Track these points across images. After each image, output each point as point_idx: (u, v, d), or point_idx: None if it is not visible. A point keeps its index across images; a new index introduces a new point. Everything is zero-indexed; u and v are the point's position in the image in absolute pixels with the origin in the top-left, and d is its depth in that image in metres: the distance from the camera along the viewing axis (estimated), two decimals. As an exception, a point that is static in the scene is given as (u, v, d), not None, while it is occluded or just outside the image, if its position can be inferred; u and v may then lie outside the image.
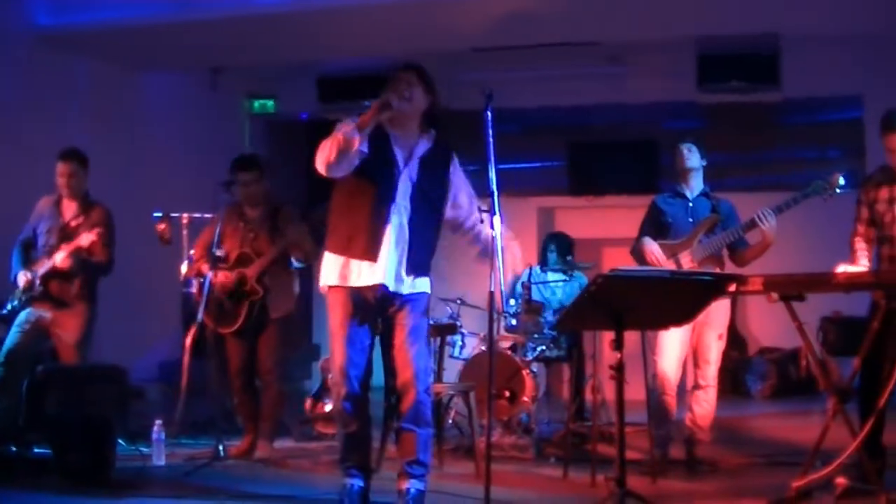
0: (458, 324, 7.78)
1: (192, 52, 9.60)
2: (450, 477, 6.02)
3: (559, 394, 9.89)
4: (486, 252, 4.77)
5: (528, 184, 11.76)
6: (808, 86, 10.44)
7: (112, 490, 5.58)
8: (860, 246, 5.54)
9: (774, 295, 4.99)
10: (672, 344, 6.10)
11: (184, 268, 6.94)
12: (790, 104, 10.94)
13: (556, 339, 7.71)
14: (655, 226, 6.34)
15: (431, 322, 5.39)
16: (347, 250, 4.89)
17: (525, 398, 7.36)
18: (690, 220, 6.27)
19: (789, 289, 4.96)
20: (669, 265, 6.10)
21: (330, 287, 4.97)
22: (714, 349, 6.19)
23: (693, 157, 6.31)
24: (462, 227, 5.18)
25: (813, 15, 8.51)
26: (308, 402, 7.74)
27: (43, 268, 6.72)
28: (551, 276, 8.37)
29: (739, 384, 10.95)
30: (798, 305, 5.02)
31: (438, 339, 6.90)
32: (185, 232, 7.00)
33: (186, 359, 6.68)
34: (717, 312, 6.03)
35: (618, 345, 4.53)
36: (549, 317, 7.77)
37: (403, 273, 4.88)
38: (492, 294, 4.67)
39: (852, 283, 4.91)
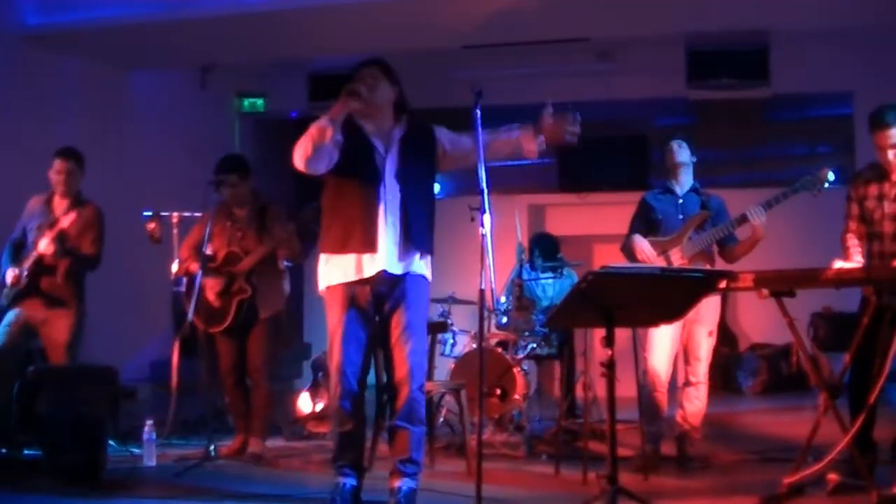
0: (449, 322, 7.77)
1: (182, 50, 9.59)
2: (441, 475, 6.01)
3: (550, 391, 9.89)
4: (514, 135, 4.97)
5: (518, 181, 11.74)
6: (798, 82, 10.46)
7: (103, 491, 5.57)
8: (853, 242, 5.55)
9: (765, 291, 4.99)
10: (663, 341, 6.10)
11: (174, 267, 6.93)
12: (780, 100, 10.94)
13: (547, 336, 7.70)
14: (645, 222, 6.35)
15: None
16: (346, 246, 4.89)
17: (516, 396, 7.35)
18: (680, 216, 6.27)
19: (780, 285, 4.97)
20: (660, 262, 6.11)
21: (329, 287, 4.97)
22: (705, 346, 6.19)
23: (683, 153, 6.32)
24: (472, 150, 4.89)
25: (802, 11, 8.52)
26: (299, 401, 7.73)
27: (29, 260, 6.72)
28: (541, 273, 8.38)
29: (730, 380, 10.97)
30: (789, 301, 5.03)
31: (430, 338, 6.89)
32: (175, 231, 6.98)
33: (176, 358, 6.67)
34: (708, 309, 6.03)
35: (609, 342, 4.53)
36: (540, 314, 7.77)
37: (403, 252, 4.89)
38: (482, 292, 4.66)
39: (842, 279, 4.91)
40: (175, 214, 7.04)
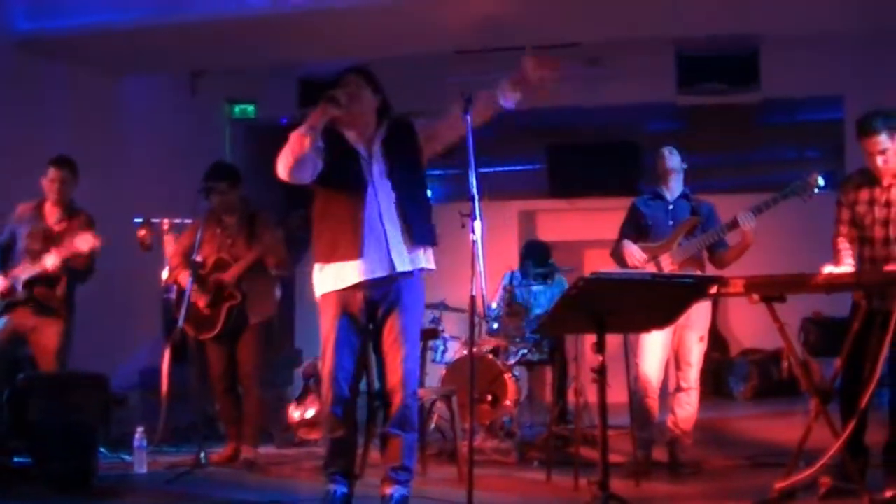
0: (440, 328, 7.77)
1: (172, 56, 9.55)
2: (432, 481, 6.00)
3: (541, 397, 9.87)
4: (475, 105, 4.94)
5: (509, 187, 11.74)
6: (787, 86, 10.45)
7: (94, 498, 5.57)
8: (844, 246, 5.54)
9: (755, 296, 5.00)
10: (654, 346, 6.11)
11: (164, 274, 6.92)
12: (770, 105, 10.93)
13: (538, 342, 7.71)
14: (636, 228, 6.36)
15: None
16: (334, 255, 4.89)
17: (507, 402, 7.36)
18: (671, 222, 6.28)
19: (770, 290, 4.97)
20: (650, 268, 6.12)
21: (323, 294, 4.97)
22: (695, 351, 6.20)
23: (674, 159, 6.34)
24: (442, 124, 5.06)
25: (792, 15, 8.52)
26: (290, 408, 7.71)
27: (28, 272, 6.67)
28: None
29: (721, 386, 10.96)
30: (779, 306, 5.04)
31: (421, 344, 6.88)
32: (165, 238, 6.97)
33: (167, 365, 6.66)
34: (699, 314, 6.04)
35: (600, 348, 4.53)
36: (532, 320, 7.76)
37: (409, 249, 4.89)
38: (473, 298, 4.66)
39: (833, 284, 4.92)
40: (166, 221, 7.04)
